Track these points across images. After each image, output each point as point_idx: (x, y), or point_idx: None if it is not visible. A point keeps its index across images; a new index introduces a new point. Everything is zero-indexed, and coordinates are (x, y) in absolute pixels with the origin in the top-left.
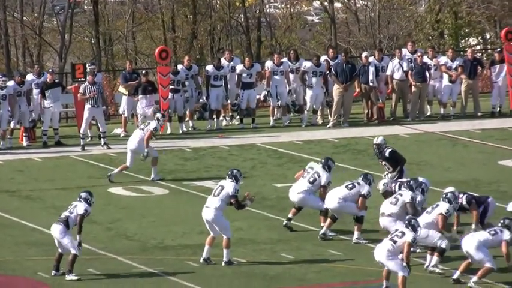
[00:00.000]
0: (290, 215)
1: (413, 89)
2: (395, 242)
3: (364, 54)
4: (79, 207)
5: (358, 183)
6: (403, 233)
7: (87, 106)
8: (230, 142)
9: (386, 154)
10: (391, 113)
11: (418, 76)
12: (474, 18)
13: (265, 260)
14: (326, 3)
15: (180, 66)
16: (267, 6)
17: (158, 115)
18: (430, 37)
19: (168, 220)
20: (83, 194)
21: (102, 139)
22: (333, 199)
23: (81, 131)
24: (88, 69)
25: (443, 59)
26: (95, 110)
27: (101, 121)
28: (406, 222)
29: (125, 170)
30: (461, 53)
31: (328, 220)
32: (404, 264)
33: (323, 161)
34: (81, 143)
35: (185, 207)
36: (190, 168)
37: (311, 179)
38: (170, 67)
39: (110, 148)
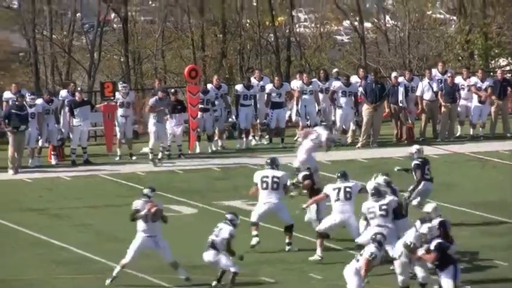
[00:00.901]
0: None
1: (443, 109)
2: (358, 260)
3: (393, 74)
4: (223, 231)
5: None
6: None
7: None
8: (260, 161)
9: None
10: (421, 134)
11: (448, 97)
12: (504, 39)
13: (294, 279)
14: (356, 23)
15: (209, 86)
16: (297, 25)
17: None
18: (460, 57)
19: (196, 239)
20: (228, 216)
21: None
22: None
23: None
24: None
25: (473, 80)
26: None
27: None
28: (372, 238)
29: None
30: (491, 73)
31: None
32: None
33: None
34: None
35: (212, 227)
36: (219, 188)
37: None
38: (199, 86)
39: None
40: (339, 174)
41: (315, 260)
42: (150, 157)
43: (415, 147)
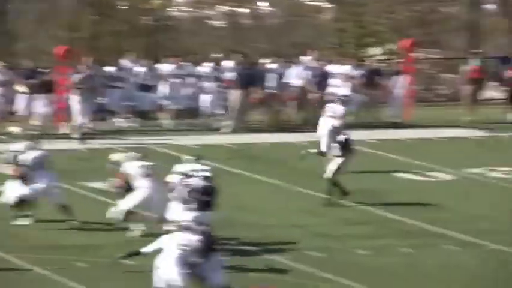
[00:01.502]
0: None
1: (311, 95)
2: None
3: (265, 60)
4: None
5: None
6: None
7: None
8: (129, 143)
9: None
10: (291, 120)
11: (317, 84)
12: (378, 28)
13: None
14: (227, 8)
15: (81, 67)
16: (174, 8)
17: None
18: (333, 46)
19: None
20: None
21: None
22: None
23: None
24: None
25: (345, 68)
26: None
27: None
28: None
29: None
30: (363, 62)
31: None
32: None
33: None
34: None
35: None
36: (84, 169)
37: None
38: (72, 67)
39: None
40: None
41: None
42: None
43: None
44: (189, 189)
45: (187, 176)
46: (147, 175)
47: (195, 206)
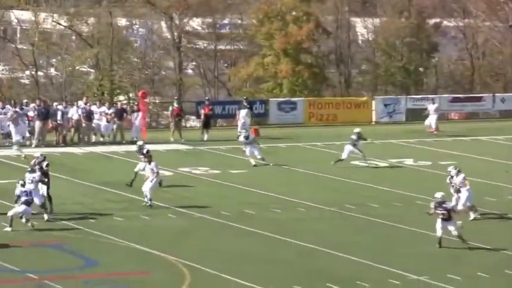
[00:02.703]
0: None
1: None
2: None
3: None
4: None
5: None
6: None
7: None
8: None
9: None
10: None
11: (86, 117)
12: (123, 84)
13: None
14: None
15: None
16: None
17: None
18: (96, 95)
19: None
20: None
21: None
22: None
23: None
24: None
25: (103, 108)
26: None
27: None
28: None
29: None
30: (114, 104)
31: None
32: None
33: None
34: None
35: None
36: None
37: None
38: None
39: None
40: None
41: None
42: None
43: None
44: None
45: None
46: None
47: None
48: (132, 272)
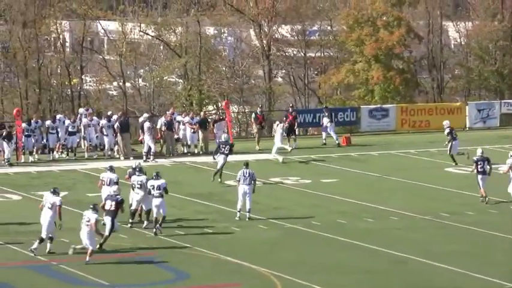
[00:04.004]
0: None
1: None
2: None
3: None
4: (91, 217)
5: None
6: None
7: None
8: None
9: None
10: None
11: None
12: (211, 93)
13: None
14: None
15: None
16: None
17: None
18: (184, 105)
19: None
20: (91, 206)
21: None
22: None
23: None
24: None
25: (187, 118)
26: None
27: None
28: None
29: None
30: (198, 114)
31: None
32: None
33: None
34: None
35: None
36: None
37: None
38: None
39: None
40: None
41: None
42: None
43: None
44: None
45: None
46: None
47: None
48: (224, 284)
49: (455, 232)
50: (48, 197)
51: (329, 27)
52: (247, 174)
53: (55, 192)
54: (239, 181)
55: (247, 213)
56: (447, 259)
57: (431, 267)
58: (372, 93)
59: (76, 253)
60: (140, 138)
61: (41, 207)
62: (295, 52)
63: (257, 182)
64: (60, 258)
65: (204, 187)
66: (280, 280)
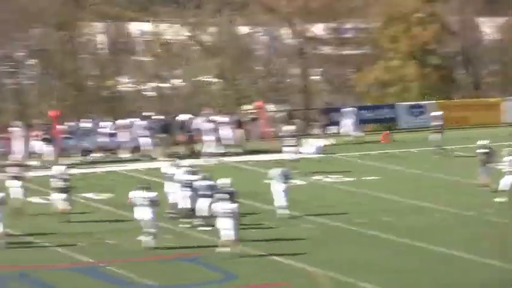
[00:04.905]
0: None
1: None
2: None
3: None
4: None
5: None
6: None
7: None
8: None
9: None
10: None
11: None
12: (247, 93)
13: None
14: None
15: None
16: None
17: None
18: (220, 105)
19: None
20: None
21: None
22: None
23: None
24: None
25: (225, 118)
26: None
27: None
28: None
29: None
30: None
31: None
32: None
33: None
34: None
35: None
36: None
37: None
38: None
39: None
40: None
41: None
42: None
43: None
44: None
45: None
46: None
47: None
48: (272, 283)
49: (499, 228)
50: (139, 194)
51: (363, 25)
52: (280, 172)
53: (147, 188)
54: (273, 179)
55: (285, 210)
56: (491, 254)
57: (477, 264)
58: (408, 90)
59: (125, 254)
60: (183, 138)
61: (130, 204)
62: (330, 50)
63: (299, 181)
64: (109, 260)
65: (246, 186)
66: (331, 280)
